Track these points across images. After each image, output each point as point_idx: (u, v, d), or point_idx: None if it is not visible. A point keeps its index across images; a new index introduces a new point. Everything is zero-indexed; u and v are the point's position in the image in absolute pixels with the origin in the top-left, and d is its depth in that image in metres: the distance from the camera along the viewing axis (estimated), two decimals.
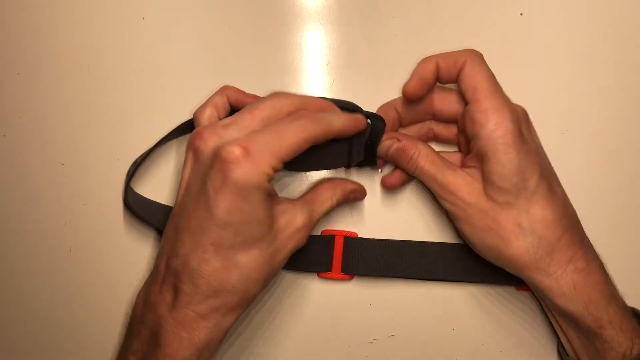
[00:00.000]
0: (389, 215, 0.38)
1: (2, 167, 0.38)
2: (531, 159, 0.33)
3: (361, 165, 0.37)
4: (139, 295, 0.33)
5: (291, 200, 0.34)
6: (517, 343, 0.38)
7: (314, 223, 0.34)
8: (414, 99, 0.36)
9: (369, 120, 0.35)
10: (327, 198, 0.35)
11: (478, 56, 0.35)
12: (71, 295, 0.38)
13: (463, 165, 0.36)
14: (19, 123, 0.38)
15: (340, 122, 0.33)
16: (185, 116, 0.38)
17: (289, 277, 0.38)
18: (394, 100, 0.37)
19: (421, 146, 0.36)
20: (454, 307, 0.38)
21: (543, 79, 0.39)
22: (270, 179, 0.30)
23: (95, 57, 0.38)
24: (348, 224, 0.38)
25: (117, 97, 0.38)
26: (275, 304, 0.38)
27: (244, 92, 0.36)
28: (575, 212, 0.35)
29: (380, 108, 0.37)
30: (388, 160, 0.37)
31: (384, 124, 0.36)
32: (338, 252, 0.37)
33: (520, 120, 0.34)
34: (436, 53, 0.38)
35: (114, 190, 0.38)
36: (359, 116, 0.34)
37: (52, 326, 0.38)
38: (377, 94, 0.38)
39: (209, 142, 0.31)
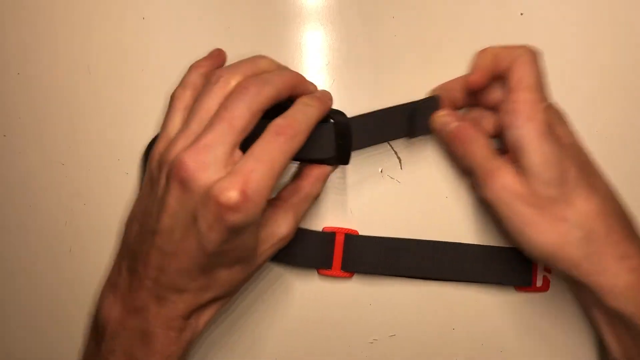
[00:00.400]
0: (390, 213, 0.38)
1: (2, 167, 0.38)
2: (567, 153, 0.33)
3: (330, 162, 0.36)
4: (110, 303, 0.33)
5: (274, 206, 0.34)
6: (517, 343, 0.38)
7: (299, 223, 0.34)
8: (478, 89, 0.36)
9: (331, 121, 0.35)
10: (310, 192, 0.35)
11: (532, 53, 0.34)
12: (71, 295, 0.38)
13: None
14: (19, 123, 0.38)
15: (315, 114, 0.32)
16: None
17: (289, 276, 0.38)
18: (456, 80, 0.37)
19: (477, 132, 0.35)
20: (454, 307, 0.38)
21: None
22: (263, 211, 0.30)
23: (95, 57, 0.38)
24: (349, 221, 0.38)
25: (117, 97, 0.38)
26: (275, 304, 0.38)
27: (216, 59, 0.35)
28: (624, 208, 0.34)
29: (443, 86, 0.37)
30: (437, 136, 0.37)
31: (346, 119, 0.36)
32: (339, 249, 0.37)
33: (554, 117, 0.34)
34: (436, 53, 0.38)
35: (114, 190, 0.38)
36: (322, 97, 0.34)
37: (52, 326, 0.38)
38: (377, 94, 0.38)
39: (198, 179, 0.29)
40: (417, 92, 0.38)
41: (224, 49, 0.38)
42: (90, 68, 0.38)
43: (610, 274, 0.31)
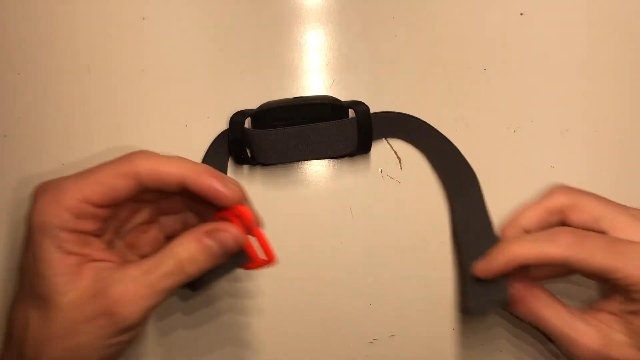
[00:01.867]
0: (390, 213, 0.38)
1: (2, 167, 0.38)
2: None
3: (352, 154, 0.37)
4: None
5: (120, 266, 0.27)
6: (518, 343, 0.38)
7: (141, 298, 0.26)
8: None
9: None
10: (161, 259, 0.27)
11: (572, 243, 0.30)
12: None
13: (595, 309, 0.32)
14: (19, 123, 0.38)
15: (182, 166, 0.28)
16: (185, 116, 0.38)
17: (290, 274, 0.38)
18: (513, 246, 0.31)
19: (537, 289, 0.32)
20: (454, 307, 0.38)
21: (543, 79, 0.39)
22: (66, 227, 0.26)
23: (95, 57, 0.38)
24: (349, 221, 0.38)
25: (117, 97, 0.38)
26: (275, 304, 0.38)
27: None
28: None
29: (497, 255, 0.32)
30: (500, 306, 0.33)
31: (368, 108, 0.36)
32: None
33: None
34: (436, 53, 0.38)
35: None
36: (222, 185, 0.28)
37: None
38: (377, 94, 0.38)
39: (38, 196, 0.28)
40: (417, 92, 0.38)
41: (224, 49, 0.38)
42: (90, 68, 0.38)
43: None
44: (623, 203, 0.34)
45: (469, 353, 0.38)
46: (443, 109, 0.38)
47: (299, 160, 0.37)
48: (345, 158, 0.38)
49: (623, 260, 0.29)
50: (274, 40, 0.38)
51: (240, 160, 0.36)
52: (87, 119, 0.38)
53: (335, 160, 0.38)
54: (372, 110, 0.37)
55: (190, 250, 0.27)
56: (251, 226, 0.29)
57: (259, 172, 0.38)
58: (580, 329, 0.30)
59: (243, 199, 0.29)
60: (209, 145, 0.37)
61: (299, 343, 0.38)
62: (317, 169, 0.38)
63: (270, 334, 0.38)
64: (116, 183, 0.27)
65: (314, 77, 0.38)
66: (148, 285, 0.26)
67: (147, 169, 0.27)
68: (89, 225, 0.28)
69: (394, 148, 0.38)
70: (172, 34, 0.38)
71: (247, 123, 0.37)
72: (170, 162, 0.28)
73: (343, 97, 0.38)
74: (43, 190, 0.27)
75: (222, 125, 0.37)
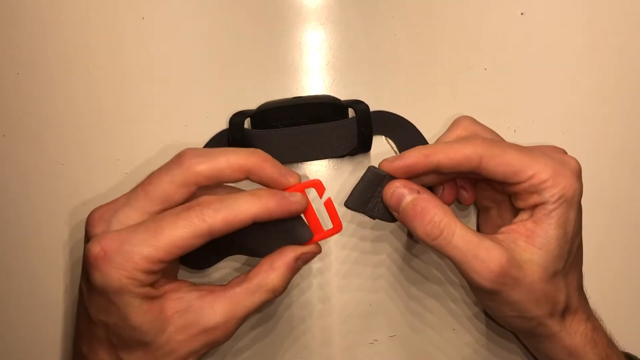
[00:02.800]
0: None
1: (2, 167, 0.38)
2: (580, 219, 0.31)
3: (352, 154, 0.37)
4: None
5: (203, 294, 0.29)
6: (518, 343, 0.38)
7: (234, 323, 0.29)
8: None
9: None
10: (255, 291, 0.29)
11: (488, 142, 0.30)
12: (71, 295, 0.38)
13: (494, 231, 0.32)
14: (18, 123, 0.38)
15: (254, 206, 0.28)
16: (185, 116, 0.38)
17: None
18: (431, 147, 0.31)
19: (446, 207, 0.30)
20: (454, 307, 0.38)
21: (543, 79, 0.39)
22: (142, 284, 0.27)
23: (95, 57, 0.38)
24: (349, 221, 0.38)
25: (116, 98, 0.38)
26: (274, 304, 0.38)
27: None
28: None
29: (411, 153, 0.31)
30: (397, 217, 0.31)
31: (367, 107, 0.35)
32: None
33: (580, 173, 0.31)
34: (436, 53, 0.38)
35: (113, 190, 0.38)
36: (287, 196, 0.29)
37: (51, 326, 0.38)
38: (377, 94, 0.38)
39: (94, 230, 0.29)
40: (417, 92, 0.38)
41: (223, 48, 0.38)
42: (90, 68, 0.38)
43: (581, 334, 0.32)
44: (623, 203, 0.34)
45: (469, 353, 0.38)
46: (443, 109, 0.38)
47: (299, 161, 0.37)
48: (346, 157, 0.38)
49: (533, 159, 0.30)
50: (274, 40, 0.38)
51: None
52: (87, 119, 0.38)
53: (335, 159, 0.38)
54: (371, 109, 0.37)
55: (284, 277, 0.30)
56: (321, 197, 0.31)
57: None
58: (490, 248, 0.29)
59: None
60: (205, 144, 0.37)
61: (299, 343, 0.38)
62: (317, 169, 0.38)
63: (270, 334, 0.38)
64: (191, 243, 0.27)
65: (314, 77, 0.38)
66: (244, 317, 0.29)
67: (220, 224, 0.27)
68: (160, 271, 0.28)
69: (394, 148, 0.38)
70: (172, 34, 0.38)
71: (247, 123, 0.37)
72: (240, 211, 0.28)
73: (343, 96, 0.38)
74: (112, 252, 0.27)
75: (222, 125, 0.37)
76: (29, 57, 0.38)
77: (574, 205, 0.30)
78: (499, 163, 0.30)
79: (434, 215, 0.29)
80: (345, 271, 0.38)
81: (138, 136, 0.38)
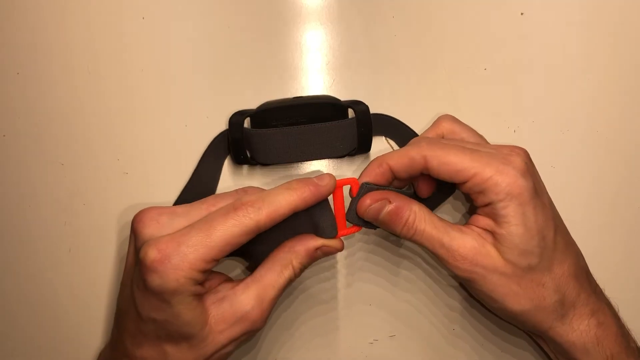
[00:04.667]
0: None
1: (2, 167, 0.38)
2: (547, 214, 0.31)
3: (352, 154, 0.37)
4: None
5: (235, 284, 0.31)
6: (518, 343, 0.38)
7: (267, 305, 0.31)
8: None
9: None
10: (280, 271, 0.32)
11: (432, 143, 0.32)
12: (70, 296, 0.38)
13: (468, 223, 0.33)
14: (18, 123, 0.38)
15: (291, 199, 0.30)
16: (185, 116, 0.38)
17: None
18: (385, 155, 0.33)
19: (416, 206, 0.32)
20: (454, 307, 0.38)
21: (543, 79, 0.39)
22: (197, 282, 0.29)
23: (94, 57, 0.38)
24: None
25: (116, 97, 0.38)
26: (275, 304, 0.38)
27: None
28: (583, 257, 0.34)
29: (370, 165, 0.34)
30: (379, 226, 0.33)
31: (367, 108, 0.36)
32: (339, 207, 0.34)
33: (532, 170, 0.32)
34: (436, 53, 0.38)
35: (113, 190, 0.38)
36: (317, 182, 0.31)
37: (51, 326, 0.38)
38: (377, 94, 0.38)
39: (145, 230, 0.30)
40: (417, 92, 0.38)
41: (223, 48, 0.38)
42: (90, 68, 0.38)
43: (582, 331, 0.32)
44: (623, 203, 0.34)
45: (469, 353, 0.38)
46: (443, 109, 0.38)
47: (299, 161, 0.37)
48: (345, 157, 0.38)
49: (475, 159, 0.31)
50: (274, 40, 0.38)
51: (240, 161, 0.36)
52: (87, 118, 0.38)
53: (335, 160, 0.38)
54: (371, 110, 0.37)
55: (303, 261, 0.32)
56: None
57: (258, 172, 0.38)
58: (457, 238, 0.31)
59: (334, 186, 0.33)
60: (207, 146, 0.37)
61: (299, 343, 0.38)
62: (317, 169, 0.38)
63: (270, 334, 0.38)
64: (241, 240, 0.29)
65: (314, 77, 0.38)
66: (275, 297, 0.31)
67: (265, 220, 0.29)
68: (211, 269, 0.30)
69: (393, 148, 0.38)
70: (172, 34, 0.38)
71: (247, 123, 0.37)
72: (281, 206, 0.30)
73: (343, 96, 0.38)
74: (170, 254, 0.28)
75: (222, 125, 0.37)
76: (29, 57, 0.38)
77: (526, 202, 0.30)
78: (442, 163, 0.31)
79: (407, 217, 0.32)
80: (345, 271, 0.38)
81: (138, 136, 0.38)
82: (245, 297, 0.31)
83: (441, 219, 0.33)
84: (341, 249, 0.34)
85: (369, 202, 0.33)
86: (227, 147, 0.37)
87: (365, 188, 0.33)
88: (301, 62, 0.38)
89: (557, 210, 0.33)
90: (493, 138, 0.37)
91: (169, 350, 0.30)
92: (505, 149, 0.32)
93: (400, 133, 0.38)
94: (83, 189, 0.38)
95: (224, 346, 0.31)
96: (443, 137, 0.35)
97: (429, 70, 0.38)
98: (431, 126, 0.36)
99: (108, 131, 0.38)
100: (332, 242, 0.33)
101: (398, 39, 0.38)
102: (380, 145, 0.38)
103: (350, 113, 0.37)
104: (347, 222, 0.34)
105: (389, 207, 0.32)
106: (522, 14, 0.38)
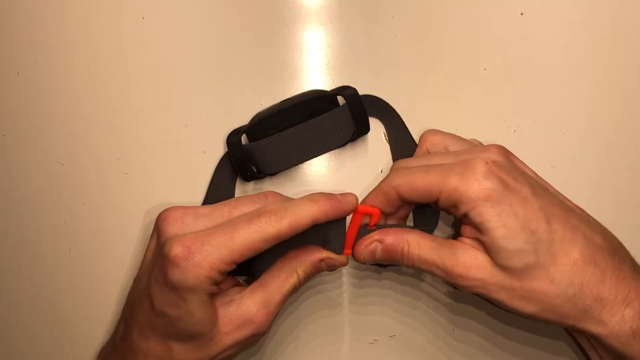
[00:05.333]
0: None
1: (2, 167, 0.38)
2: (528, 206, 0.30)
3: (354, 139, 0.37)
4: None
5: (242, 288, 0.32)
6: (518, 343, 0.38)
7: (272, 309, 0.32)
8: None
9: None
10: (286, 277, 0.32)
11: (398, 172, 0.32)
12: (70, 296, 0.38)
13: (459, 235, 0.32)
14: (18, 123, 0.38)
15: (313, 211, 0.30)
16: (185, 116, 0.38)
17: None
18: (365, 199, 0.34)
19: (408, 235, 0.32)
20: (454, 307, 0.38)
21: (543, 79, 0.39)
22: (214, 282, 0.29)
23: (94, 57, 0.38)
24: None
25: (116, 97, 0.38)
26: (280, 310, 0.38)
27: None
28: (613, 239, 0.32)
29: (354, 216, 0.34)
30: (378, 263, 0.34)
31: (355, 90, 0.36)
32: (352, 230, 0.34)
33: (498, 169, 0.30)
34: (436, 53, 0.38)
35: (113, 190, 0.38)
36: (340, 198, 0.32)
37: (51, 326, 0.38)
38: (377, 94, 0.38)
39: (169, 228, 0.31)
40: (417, 92, 0.38)
41: (223, 48, 0.38)
42: (90, 68, 0.38)
43: (615, 322, 0.29)
44: (624, 203, 0.34)
45: (469, 353, 0.38)
46: (443, 108, 0.38)
47: (304, 161, 0.37)
48: (347, 146, 0.38)
49: (436, 177, 0.31)
50: (274, 39, 0.38)
51: (248, 178, 0.36)
52: (87, 118, 0.38)
53: (337, 151, 0.38)
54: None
55: (307, 270, 0.33)
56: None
57: (267, 182, 0.38)
58: (449, 256, 0.31)
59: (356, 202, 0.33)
60: (213, 170, 0.37)
61: (299, 343, 0.38)
62: (318, 162, 0.38)
63: (270, 335, 0.38)
64: (261, 247, 0.29)
65: (314, 77, 0.38)
66: (280, 302, 0.32)
67: (286, 229, 0.30)
68: (230, 271, 0.30)
69: (391, 145, 0.38)
70: (172, 34, 0.38)
71: (245, 139, 0.37)
72: (302, 216, 0.30)
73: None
74: (194, 251, 0.29)
75: (222, 125, 0.37)
76: (29, 57, 0.38)
77: (497, 202, 0.29)
78: (411, 189, 0.32)
79: (402, 249, 0.32)
80: (346, 271, 0.38)
81: (138, 136, 0.38)
82: (252, 301, 0.31)
83: (435, 239, 0.32)
84: (345, 264, 0.34)
85: (362, 248, 0.33)
86: (233, 169, 0.37)
87: (365, 230, 0.34)
88: (301, 62, 0.38)
89: (550, 198, 0.31)
90: (493, 138, 0.37)
91: (175, 347, 0.31)
92: (473, 152, 0.32)
93: (388, 114, 0.38)
94: (83, 189, 0.38)
95: (229, 348, 0.31)
96: (429, 152, 0.35)
97: (429, 70, 0.38)
98: (417, 144, 0.36)
99: (108, 131, 0.38)
100: (335, 256, 0.34)
101: (398, 39, 0.38)
102: (379, 148, 0.38)
103: (341, 100, 0.37)
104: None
105: (380, 246, 0.33)
106: (522, 14, 0.38)
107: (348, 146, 0.38)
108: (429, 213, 0.36)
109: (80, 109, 0.38)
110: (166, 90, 0.38)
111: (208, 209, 0.32)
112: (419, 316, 0.38)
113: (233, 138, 0.36)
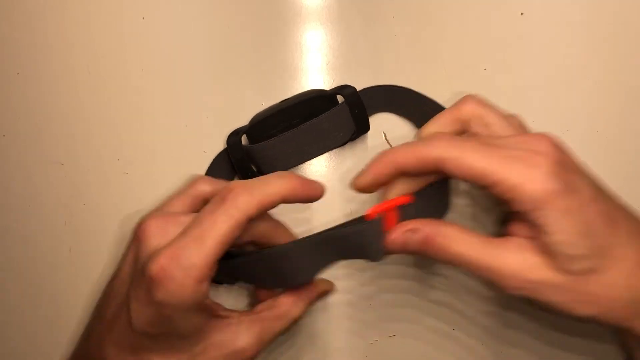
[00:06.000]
0: None
1: (2, 167, 0.38)
2: (591, 211, 0.28)
3: (354, 138, 0.37)
4: None
5: (241, 314, 0.31)
6: (518, 343, 0.38)
7: (264, 344, 0.31)
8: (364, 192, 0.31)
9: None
10: (285, 312, 0.31)
11: (449, 143, 0.28)
12: (70, 296, 0.38)
13: (504, 233, 0.30)
14: (18, 123, 0.38)
15: (281, 187, 0.29)
16: (185, 116, 0.38)
17: None
18: (390, 153, 0.30)
19: (446, 228, 0.29)
20: (453, 307, 0.38)
21: (543, 79, 0.39)
22: (203, 295, 0.28)
23: (94, 57, 0.38)
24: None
25: (116, 97, 0.38)
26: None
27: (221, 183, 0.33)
28: None
29: (374, 165, 0.30)
30: (408, 254, 0.31)
31: (354, 89, 0.36)
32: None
33: (562, 168, 0.28)
34: (436, 53, 0.38)
35: (113, 190, 0.38)
36: (309, 180, 0.30)
37: (51, 326, 0.38)
38: None
39: (151, 240, 0.29)
40: (417, 91, 0.38)
41: (223, 48, 0.38)
42: (90, 68, 0.38)
43: None
44: (624, 203, 0.34)
45: (469, 353, 0.38)
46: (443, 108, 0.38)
47: (305, 161, 0.37)
48: (347, 145, 0.38)
49: (494, 164, 0.27)
50: (274, 39, 0.38)
51: (248, 178, 0.36)
52: (87, 119, 0.38)
53: (336, 151, 0.38)
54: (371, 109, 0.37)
55: (304, 308, 0.33)
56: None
57: None
58: (499, 256, 0.28)
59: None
60: (207, 167, 0.37)
61: (299, 343, 0.38)
62: (317, 161, 0.38)
63: None
64: (235, 235, 0.28)
65: (314, 77, 0.38)
66: (270, 341, 0.31)
67: (255, 209, 0.28)
68: (214, 272, 0.29)
69: (391, 145, 0.38)
70: (172, 34, 0.38)
71: (245, 140, 0.37)
72: (270, 193, 0.28)
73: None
74: (172, 269, 0.27)
75: (222, 125, 0.37)
76: (29, 57, 0.38)
77: (561, 207, 0.27)
78: (459, 166, 0.28)
79: (439, 244, 0.29)
80: (346, 271, 0.38)
81: (138, 136, 0.38)
82: (246, 334, 0.30)
83: (478, 235, 0.29)
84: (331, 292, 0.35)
85: (394, 236, 0.30)
86: (231, 168, 0.37)
87: (376, 224, 0.30)
88: (301, 62, 0.38)
89: (611, 200, 0.30)
90: None
91: None
92: (531, 142, 0.29)
93: (399, 98, 0.37)
94: (83, 189, 0.38)
95: None
96: (463, 123, 0.31)
97: (429, 71, 0.38)
98: (452, 107, 0.32)
99: (108, 131, 0.38)
100: (329, 287, 0.35)
101: (398, 39, 0.38)
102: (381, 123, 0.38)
103: (340, 99, 0.37)
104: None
105: (415, 237, 0.29)
106: (522, 14, 0.39)
107: (348, 145, 0.38)
108: (439, 195, 0.33)
109: (80, 109, 0.38)
110: (166, 90, 0.38)
111: (192, 216, 0.29)
112: (419, 316, 0.38)
113: (233, 139, 0.36)
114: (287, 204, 0.30)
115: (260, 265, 0.30)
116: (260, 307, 0.32)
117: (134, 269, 0.29)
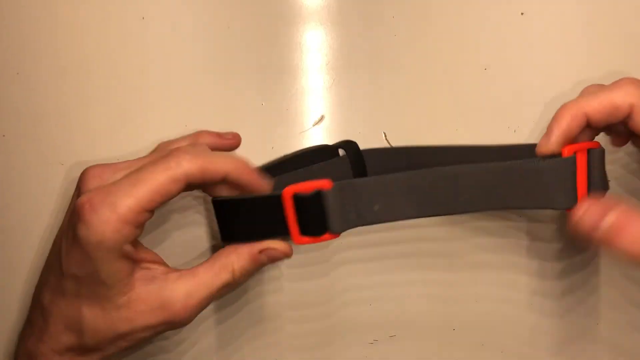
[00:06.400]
0: None
1: (2, 167, 0.38)
2: None
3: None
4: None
5: (169, 271, 0.30)
6: (518, 343, 0.38)
7: (194, 302, 0.29)
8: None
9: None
10: (218, 272, 0.30)
11: (634, 85, 0.27)
12: None
13: None
14: (18, 123, 0.38)
15: (228, 163, 0.29)
16: (185, 116, 0.38)
17: (290, 275, 0.38)
18: (580, 101, 0.28)
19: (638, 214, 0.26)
20: (454, 307, 0.38)
21: (543, 79, 0.39)
22: (126, 238, 0.27)
23: (95, 57, 0.38)
24: None
25: (116, 97, 0.38)
26: (275, 304, 0.38)
27: (220, 135, 0.33)
28: None
29: (561, 114, 0.28)
30: (586, 239, 0.27)
31: (356, 144, 0.36)
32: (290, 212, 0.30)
33: None
34: (436, 53, 0.38)
35: None
36: (258, 173, 0.31)
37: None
38: (377, 94, 0.38)
39: (87, 184, 0.30)
40: (417, 92, 0.38)
41: (223, 48, 0.38)
42: (90, 68, 0.38)
43: None
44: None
45: (469, 353, 0.38)
46: (443, 109, 0.38)
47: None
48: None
49: None
50: (274, 39, 0.38)
51: None
52: (87, 119, 0.38)
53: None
54: (371, 110, 0.36)
55: (244, 264, 0.30)
56: None
57: None
58: None
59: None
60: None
61: (299, 343, 0.38)
62: None
63: (271, 335, 0.38)
64: (170, 188, 0.28)
65: (314, 77, 0.38)
66: (206, 297, 0.30)
67: (196, 170, 0.28)
68: (140, 231, 0.29)
69: (390, 143, 0.38)
70: (172, 34, 0.38)
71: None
72: (215, 161, 0.29)
73: (343, 96, 0.38)
74: (97, 204, 0.27)
75: (222, 125, 0.37)
76: (28, 57, 0.38)
77: None
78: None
79: (633, 234, 0.25)
80: (346, 271, 0.38)
81: (138, 136, 0.38)
82: (175, 288, 0.29)
83: None
84: (290, 255, 0.31)
85: (581, 214, 0.26)
86: None
87: (571, 162, 0.26)
88: (301, 62, 0.38)
89: None
90: (493, 138, 0.37)
91: (85, 313, 0.29)
92: None
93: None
94: None
95: (139, 330, 0.29)
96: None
97: (429, 70, 0.38)
98: (610, 87, 0.30)
99: (108, 131, 0.38)
100: (278, 245, 0.31)
101: (398, 39, 0.38)
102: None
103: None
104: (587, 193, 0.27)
105: (608, 221, 0.26)
106: (522, 14, 0.39)
107: None
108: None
109: (80, 109, 0.38)
110: (166, 90, 0.38)
111: (130, 162, 0.30)
112: (419, 316, 0.38)
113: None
114: (229, 185, 0.30)
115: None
116: (198, 267, 0.31)
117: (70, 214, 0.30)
